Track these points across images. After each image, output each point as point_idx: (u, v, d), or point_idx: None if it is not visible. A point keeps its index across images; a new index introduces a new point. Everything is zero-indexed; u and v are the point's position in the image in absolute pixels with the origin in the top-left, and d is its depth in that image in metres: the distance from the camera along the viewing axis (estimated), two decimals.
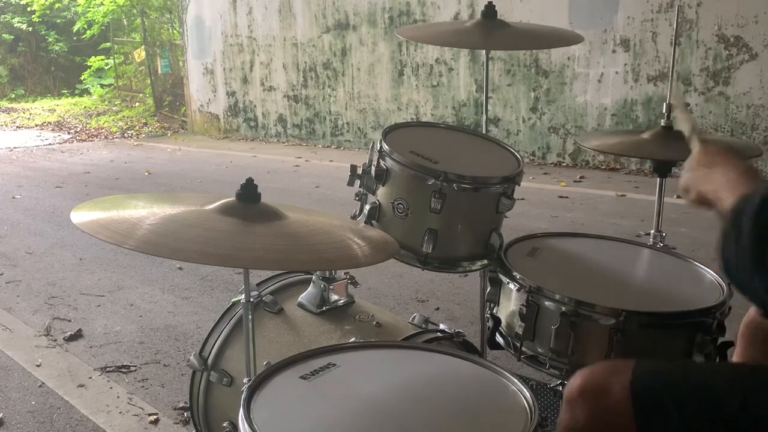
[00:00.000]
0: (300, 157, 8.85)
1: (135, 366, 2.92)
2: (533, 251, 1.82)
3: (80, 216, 1.32)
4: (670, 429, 1.09)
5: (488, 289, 1.76)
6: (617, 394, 1.12)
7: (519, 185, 1.84)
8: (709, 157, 1.25)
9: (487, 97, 2.38)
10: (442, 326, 1.80)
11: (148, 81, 14.26)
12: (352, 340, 1.54)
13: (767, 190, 1.01)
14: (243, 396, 1.22)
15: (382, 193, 1.83)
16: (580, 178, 6.79)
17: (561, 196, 5.95)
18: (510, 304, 1.67)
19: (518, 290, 1.62)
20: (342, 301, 1.88)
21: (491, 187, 1.80)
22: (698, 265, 1.77)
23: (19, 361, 3.00)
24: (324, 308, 1.84)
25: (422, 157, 1.81)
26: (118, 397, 2.67)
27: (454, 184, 1.72)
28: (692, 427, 1.09)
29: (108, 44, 16.35)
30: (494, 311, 1.74)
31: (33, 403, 2.63)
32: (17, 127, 13.59)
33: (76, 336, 3.24)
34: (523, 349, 1.62)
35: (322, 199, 6.21)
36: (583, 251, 1.88)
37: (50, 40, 18.27)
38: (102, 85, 16.60)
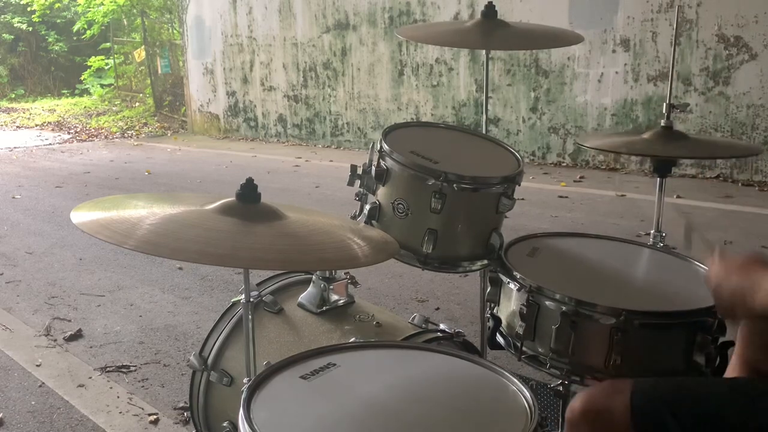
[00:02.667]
0: (300, 157, 8.84)
1: (135, 366, 2.92)
2: (533, 251, 1.82)
3: (80, 216, 1.32)
4: None
5: (488, 289, 1.76)
6: (618, 414, 1.15)
7: (519, 185, 1.84)
8: (742, 270, 1.21)
9: (487, 97, 2.38)
10: (442, 326, 1.80)
11: (148, 81, 14.26)
12: (352, 340, 1.54)
13: None
14: (243, 396, 1.22)
15: (382, 193, 1.83)
16: (580, 178, 6.79)
17: (561, 196, 5.95)
18: (510, 303, 1.67)
19: (518, 290, 1.62)
20: (342, 301, 1.88)
21: (491, 187, 1.80)
22: (698, 265, 1.77)
23: (19, 361, 3.00)
24: (324, 308, 1.84)
25: (422, 157, 1.81)
26: (118, 397, 2.67)
27: (454, 184, 1.72)
28: None
29: (108, 44, 16.35)
30: (494, 311, 1.74)
31: (33, 403, 2.63)
32: (17, 127, 13.59)
33: (76, 336, 3.24)
34: (524, 349, 1.62)
35: (322, 199, 6.21)
36: (583, 251, 1.88)
37: (50, 40, 18.27)
38: (102, 85, 16.60)
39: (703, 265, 1.75)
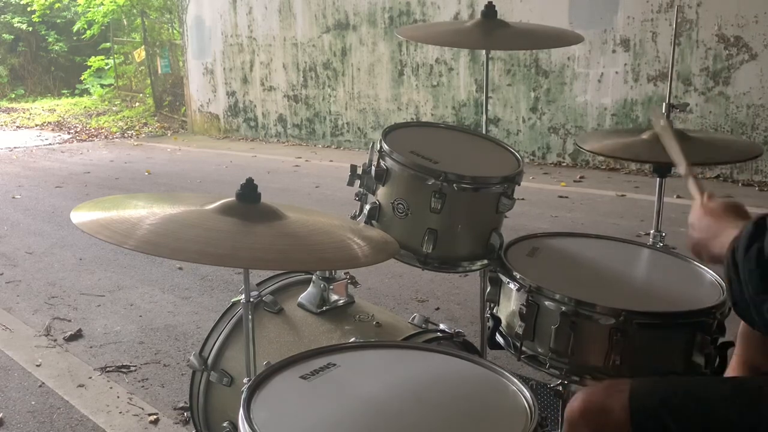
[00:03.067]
0: (300, 157, 8.85)
1: (135, 366, 2.92)
2: (533, 251, 1.82)
3: (80, 216, 1.32)
4: None
5: (488, 289, 1.76)
6: (617, 413, 1.15)
7: (519, 185, 1.84)
8: (711, 219, 1.25)
9: (487, 97, 2.38)
10: (442, 326, 1.80)
11: (148, 81, 14.26)
12: (352, 340, 1.54)
13: (753, 225, 1.05)
14: (243, 396, 1.22)
15: (382, 193, 1.83)
16: (580, 178, 6.79)
17: (561, 196, 5.95)
18: (510, 304, 1.67)
19: (518, 290, 1.62)
20: (342, 301, 1.88)
21: (491, 187, 1.79)
22: (698, 265, 1.77)
23: (19, 361, 3.00)
24: (324, 308, 1.84)
25: (422, 157, 1.81)
26: (118, 397, 2.67)
27: (454, 184, 1.72)
28: None
29: (108, 44, 16.35)
30: (494, 311, 1.74)
31: (33, 403, 2.63)
32: (17, 127, 13.59)
33: (76, 336, 3.24)
34: (523, 349, 1.62)
35: (322, 199, 6.21)
36: (583, 251, 1.88)
37: (50, 40, 18.27)
38: (102, 85, 16.60)
39: (702, 266, 1.76)
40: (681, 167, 1.49)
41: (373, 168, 1.82)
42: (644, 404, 1.14)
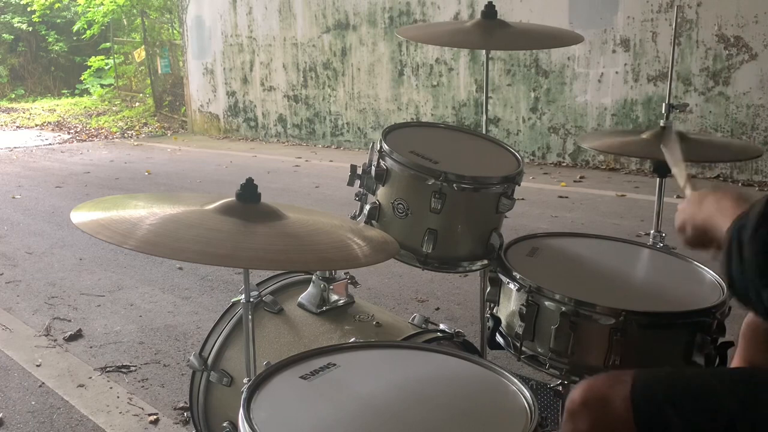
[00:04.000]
0: (300, 157, 8.85)
1: (135, 366, 2.92)
2: (533, 251, 1.82)
3: (80, 216, 1.32)
4: None
5: (488, 289, 1.76)
6: (618, 404, 1.14)
7: (519, 185, 1.84)
8: (701, 195, 1.26)
9: (487, 97, 2.38)
10: (442, 326, 1.80)
11: (148, 81, 14.26)
12: (352, 340, 1.54)
13: (764, 206, 1.02)
14: (243, 396, 1.22)
15: (382, 193, 1.83)
16: (580, 178, 6.79)
17: (561, 196, 5.95)
18: (510, 304, 1.67)
19: (518, 290, 1.62)
20: (342, 301, 1.88)
21: (491, 187, 1.80)
22: (698, 265, 1.77)
23: (19, 361, 3.00)
24: (324, 308, 1.84)
25: (422, 157, 1.81)
26: (118, 397, 2.67)
27: (454, 184, 1.72)
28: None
29: (108, 44, 16.35)
30: (494, 311, 1.74)
31: (33, 403, 2.63)
32: (17, 127, 13.59)
33: (76, 336, 3.24)
34: (523, 349, 1.62)
35: (322, 199, 6.21)
36: (583, 251, 1.88)
37: (50, 40, 18.27)
38: (102, 85, 16.60)
39: (702, 266, 1.76)
40: (677, 171, 1.49)
41: (373, 168, 1.83)
42: (646, 396, 1.13)
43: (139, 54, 14.76)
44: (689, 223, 1.25)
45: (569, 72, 7.33)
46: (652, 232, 2.16)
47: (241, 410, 1.18)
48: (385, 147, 1.80)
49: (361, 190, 1.87)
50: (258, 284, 1.91)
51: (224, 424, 1.75)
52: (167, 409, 2.56)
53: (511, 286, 1.65)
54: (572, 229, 4.09)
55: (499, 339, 1.71)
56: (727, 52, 6.26)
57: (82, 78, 17.11)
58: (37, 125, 13.63)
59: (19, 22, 17.72)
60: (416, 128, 2.19)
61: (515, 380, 1.30)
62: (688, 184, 1.40)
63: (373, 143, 1.87)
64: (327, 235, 1.43)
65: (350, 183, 1.89)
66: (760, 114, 6.19)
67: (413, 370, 1.38)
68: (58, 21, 18.05)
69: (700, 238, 1.24)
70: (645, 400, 1.12)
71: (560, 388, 1.76)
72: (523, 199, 5.35)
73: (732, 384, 1.15)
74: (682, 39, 6.47)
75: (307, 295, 1.88)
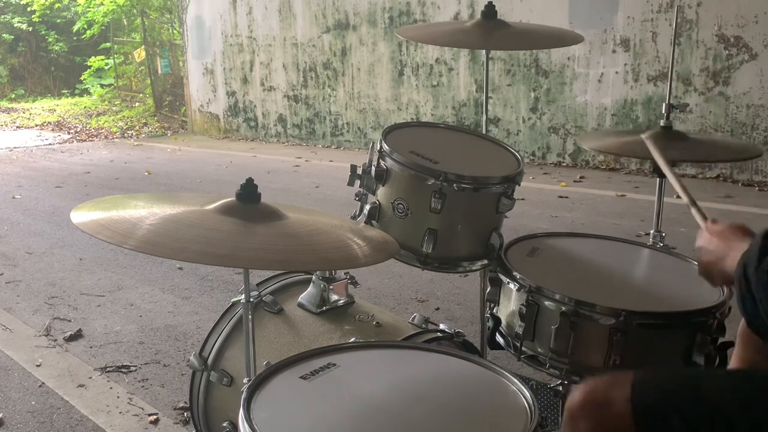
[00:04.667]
0: (300, 157, 8.85)
1: (135, 366, 2.92)
2: (533, 251, 1.82)
3: (80, 216, 1.32)
4: None
5: (488, 289, 1.76)
6: (619, 406, 1.13)
7: (519, 185, 1.84)
8: (719, 239, 1.28)
9: (487, 97, 2.38)
10: (442, 326, 1.80)
11: (148, 81, 14.26)
12: (352, 340, 1.54)
13: (761, 237, 1.08)
14: (243, 396, 1.22)
15: (382, 193, 1.83)
16: (580, 178, 6.79)
17: (561, 196, 5.95)
18: (510, 303, 1.67)
19: (518, 290, 1.62)
20: (342, 301, 1.88)
21: (491, 187, 1.80)
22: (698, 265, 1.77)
23: (19, 361, 3.00)
24: (324, 308, 1.84)
25: (422, 157, 1.81)
26: (118, 397, 2.67)
27: (454, 184, 1.72)
28: None
29: (108, 44, 16.35)
30: (494, 311, 1.74)
31: (33, 403, 2.63)
32: (17, 127, 13.59)
33: (76, 336, 3.24)
34: (523, 348, 1.62)
35: (322, 199, 6.21)
36: (583, 251, 1.88)
37: (50, 40, 18.27)
38: (102, 85, 16.60)
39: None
40: (683, 196, 1.50)
41: (373, 168, 1.83)
42: (646, 396, 1.13)
43: (139, 54, 14.76)
44: (714, 270, 1.28)
45: (569, 72, 7.33)
46: (652, 232, 2.17)
47: (241, 410, 1.18)
48: (385, 147, 1.80)
49: (361, 190, 1.87)
50: (258, 284, 1.91)
51: (224, 424, 1.75)
52: (167, 409, 2.56)
53: (511, 286, 1.65)
54: (572, 229, 4.09)
55: (499, 339, 1.71)
56: (727, 52, 6.26)
57: (82, 78, 17.11)
58: (37, 125, 13.63)
59: (19, 22, 17.72)
60: (416, 128, 2.19)
61: (515, 380, 1.30)
62: (698, 213, 1.42)
63: (373, 143, 1.87)
64: (327, 235, 1.43)
65: (350, 183, 1.89)
66: (760, 114, 6.19)
67: (413, 370, 1.38)
68: (58, 21, 18.05)
69: (710, 269, 1.29)
70: (645, 401, 1.12)
71: (560, 388, 1.76)
72: (523, 199, 5.36)
73: (732, 385, 1.16)
74: (682, 39, 6.47)
75: (307, 295, 1.88)
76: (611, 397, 1.15)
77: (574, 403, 1.18)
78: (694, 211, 1.43)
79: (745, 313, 1.08)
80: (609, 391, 1.16)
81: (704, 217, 1.38)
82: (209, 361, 1.83)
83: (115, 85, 16.14)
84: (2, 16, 17.95)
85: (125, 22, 15.95)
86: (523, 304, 1.59)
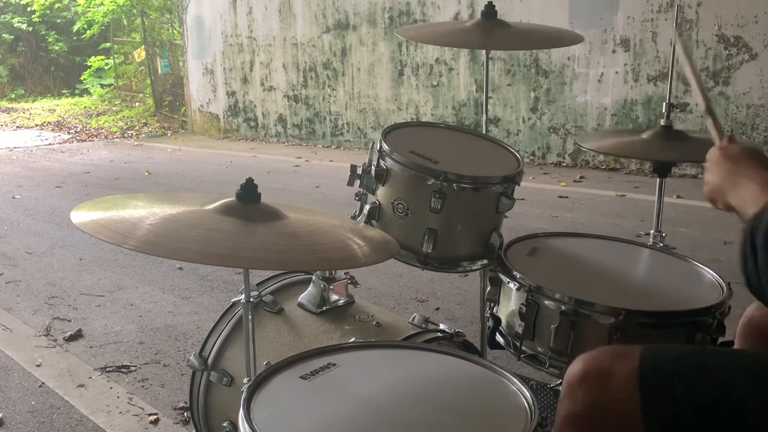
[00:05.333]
0: (300, 157, 8.85)
1: (135, 366, 2.92)
2: (533, 251, 1.82)
3: (80, 216, 1.32)
4: (676, 413, 1.08)
5: (488, 289, 1.76)
6: (622, 378, 1.10)
7: (519, 185, 1.84)
8: (730, 165, 1.21)
9: (487, 97, 2.38)
10: (442, 326, 1.80)
11: (148, 81, 14.26)
12: (352, 340, 1.54)
13: None
14: (243, 396, 1.22)
15: (382, 193, 1.83)
16: (580, 178, 6.79)
17: (561, 196, 5.95)
18: (510, 303, 1.67)
19: (518, 290, 1.62)
20: (342, 301, 1.88)
21: (491, 187, 1.80)
22: (698, 264, 1.77)
23: (19, 361, 3.00)
24: (324, 308, 1.84)
25: (422, 157, 1.81)
26: (118, 397, 2.67)
27: (454, 184, 1.72)
28: (699, 411, 1.07)
29: (108, 44, 16.36)
30: (494, 311, 1.74)
31: (33, 403, 2.63)
32: (17, 127, 13.59)
33: (76, 336, 3.24)
34: (523, 348, 1.62)
35: (322, 199, 6.21)
36: (583, 251, 1.88)
37: (50, 40, 18.28)
38: (102, 85, 16.61)
39: (702, 265, 1.76)
40: (701, 102, 1.42)
41: (373, 168, 1.83)
42: (655, 369, 1.10)
43: (139, 54, 14.76)
44: (720, 200, 1.22)
45: (569, 72, 7.33)
46: (652, 232, 2.17)
47: (241, 410, 1.18)
48: (385, 147, 1.80)
49: (361, 190, 1.87)
50: (258, 284, 1.91)
51: (224, 424, 1.75)
52: (167, 409, 2.57)
53: (511, 285, 1.65)
54: (572, 229, 4.09)
55: (499, 339, 1.71)
56: (727, 52, 6.26)
57: (82, 78, 17.12)
58: (37, 125, 13.63)
59: (19, 22, 17.72)
60: (416, 128, 2.19)
61: (515, 380, 1.30)
62: (714, 125, 1.33)
63: (373, 143, 1.87)
64: (327, 235, 1.43)
65: (350, 183, 1.89)
66: (760, 114, 6.19)
67: (413, 370, 1.38)
68: (58, 21, 18.05)
69: (731, 210, 1.21)
70: (653, 374, 1.09)
71: (560, 388, 1.76)
72: (523, 199, 5.36)
73: (747, 365, 1.11)
74: (682, 39, 6.47)
75: (307, 295, 1.88)
76: (615, 370, 1.11)
77: (574, 373, 1.15)
78: (710, 124, 1.34)
79: (744, 273, 1.04)
80: (613, 363, 1.12)
81: (720, 134, 1.30)
82: (209, 361, 1.83)
83: (115, 85, 16.14)
84: (2, 16, 17.95)
85: (125, 22, 15.95)
86: (523, 304, 1.59)
